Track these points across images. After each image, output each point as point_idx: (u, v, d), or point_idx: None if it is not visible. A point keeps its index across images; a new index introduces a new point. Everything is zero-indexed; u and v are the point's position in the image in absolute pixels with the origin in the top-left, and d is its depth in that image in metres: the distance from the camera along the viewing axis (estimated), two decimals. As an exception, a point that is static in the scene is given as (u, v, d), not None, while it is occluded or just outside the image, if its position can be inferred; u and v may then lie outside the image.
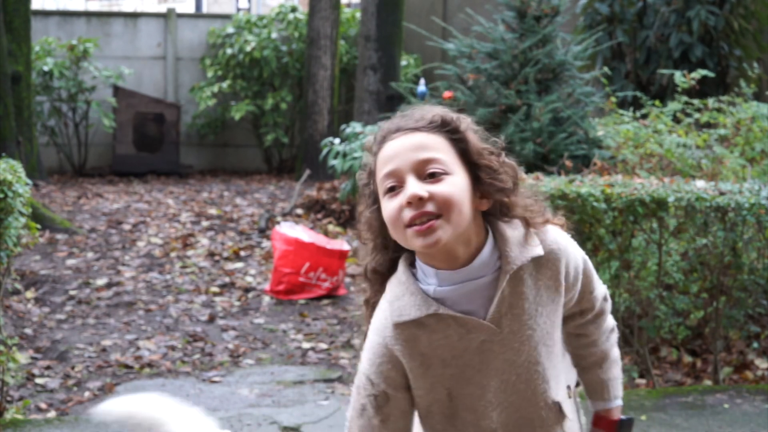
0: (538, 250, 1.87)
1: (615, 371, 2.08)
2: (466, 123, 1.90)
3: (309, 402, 4.84)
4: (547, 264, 1.89)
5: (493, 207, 1.89)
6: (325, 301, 6.82)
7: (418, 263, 1.89)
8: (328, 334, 6.10)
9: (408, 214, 1.80)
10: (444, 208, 1.80)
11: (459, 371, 1.89)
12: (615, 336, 2.08)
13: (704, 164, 6.44)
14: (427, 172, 1.82)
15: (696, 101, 7.29)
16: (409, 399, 1.92)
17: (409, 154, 1.84)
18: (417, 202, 1.79)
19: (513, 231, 1.88)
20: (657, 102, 7.52)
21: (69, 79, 13.04)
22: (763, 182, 5.29)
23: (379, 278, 1.95)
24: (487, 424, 1.91)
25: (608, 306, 2.06)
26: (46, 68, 12.87)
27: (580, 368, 2.07)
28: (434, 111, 1.90)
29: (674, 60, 9.83)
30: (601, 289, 2.04)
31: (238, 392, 5.00)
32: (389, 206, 1.84)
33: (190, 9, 22.42)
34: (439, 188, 1.81)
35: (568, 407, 1.96)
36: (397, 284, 1.90)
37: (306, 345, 5.85)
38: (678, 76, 7.33)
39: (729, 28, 9.95)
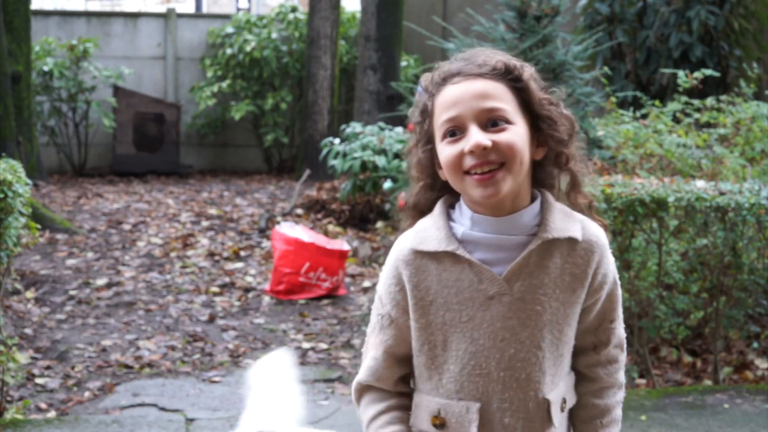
0: (577, 232, 1.85)
1: (614, 404, 1.96)
2: (529, 71, 1.90)
3: (309, 402, 4.84)
4: (581, 252, 1.85)
5: (547, 157, 1.88)
6: (325, 301, 6.82)
7: (460, 204, 1.88)
8: (328, 334, 6.10)
9: (470, 161, 1.79)
10: (508, 157, 1.79)
11: (459, 320, 1.84)
12: (621, 395, 1.98)
13: (704, 164, 6.44)
14: (490, 121, 1.81)
15: (696, 101, 7.29)
16: (406, 333, 1.90)
17: (472, 101, 1.82)
18: (480, 151, 1.78)
19: (558, 205, 1.87)
20: (657, 102, 7.52)
21: (69, 79, 13.04)
22: (763, 182, 5.29)
23: (418, 215, 1.94)
24: (472, 389, 1.85)
25: (623, 358, 1.97)
26: (46, 68, 12.87)
27: (579, 419, 1.96)
28: (497, 56, 1.89)
29: (674, 60, 9.83)
30: (620, 331, 1.96)
31: (238, 392, 5.00)
32: (449, 151, 1.82)
33: (190, 9, 22.42)
34: (502, 137, 1.80)
35: (557, 416, 1.87)
36: (429, 218, 1.89)
37: (306, 345, 5.85)
38: (681, 76, 7.33)
39: (729, 28, 9.94)
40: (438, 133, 1.86)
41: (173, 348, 5.77)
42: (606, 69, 8.29)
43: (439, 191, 1.92)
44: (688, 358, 5.28)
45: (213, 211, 10.07)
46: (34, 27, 12.35)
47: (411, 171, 1.96)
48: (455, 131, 1.82)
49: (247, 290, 7.10)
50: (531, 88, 1.87)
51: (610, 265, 1.90)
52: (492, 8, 7.66)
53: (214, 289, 7.10)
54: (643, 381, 4.99)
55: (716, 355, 5.02)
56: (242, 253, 8.14)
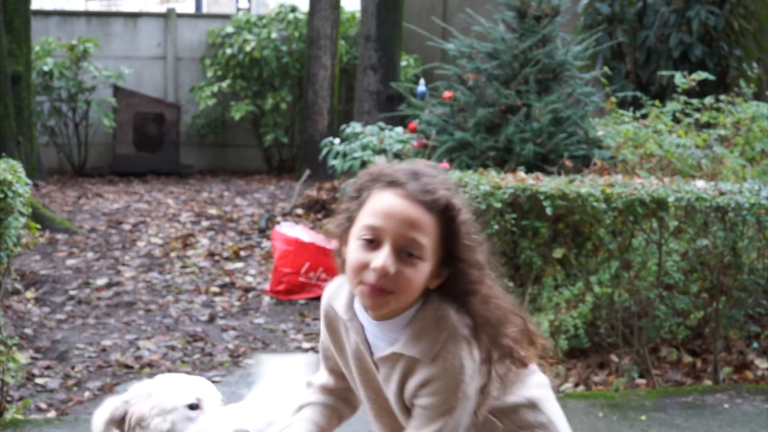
0: (425, 355, 1.99)
1: None
2: (465, 216, 1.98)
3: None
4: (424, 370, 2.01)
5: (447, 285, 2.01)
6: (325, 301, 6.81)
7: None
8: (328, 334, 6.09)
9: (369, 277, 1.93)
10: (401, 288, 1.93)
11: (356, 374, 2.13)
12: None
13: (704, 164, 6.44)
14: (405, 251, 1.92)
15: (695, 101, 7.29)
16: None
17: (400, 225, 1.92)
18: (382, 275, 1.91)
19: (431, 317, 2.00)
20: (657, 102, 7.52)
21: (69, 79, 13.04)
22: (763, 182, 5.30)
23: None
24: (378, 427, 2.19)
25: None
26: (46, 68, 12.87)
27: None
28: (444, 189, 1.96)
29: (674, 60, 9.83)
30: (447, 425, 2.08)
31: (238, 392, 4.99)
32: (357, 255, 1.96)
33: (190, 9, 22.42)
34: (407, 272, 1.92)
35: None
36: (344, 279, 2.10)
37: (306, 345, 5.85)
38: (678, 78, 7.32)
39: (729, 28, 9.94)
40: (357, 227, 1.98)
41: (173, 348, 5.77)
42: (606, 69, 8.29)
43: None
44: (688, 358, 5.27)
45: (213, 211, 10.07)
46: (34, 27, 12.35)
47: (333, 233, 2.10)
48: (372, 239, 1.94)
49: (247, 290, 7.10)
50: (460, 231, 1.97)
51: (435, 386, 2.01)
52: (492, 8, 7.66)
53: (214, 289, 7.10)
54: (643, 381, 4.99)
55: (716, 355, 5.02)
56: (242, 253, 8.14)
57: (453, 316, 1.99)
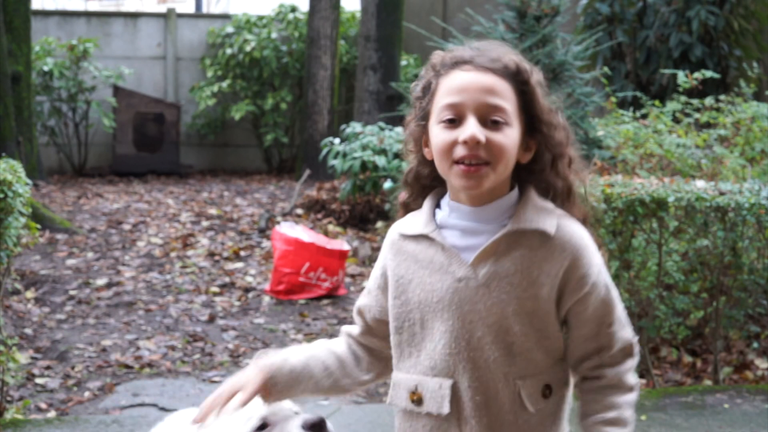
0: (549, 227, 1.86)
1: (620, 404, 1.90)
2: (537, 76, 1.92)
3: (308, 402, 4.84)
4: (551, 248, 1.86)
5: (534, 161, 1.91)
6: (325, 301, 6.82)
7: (446, 197, 1.95)
8: (328, 334, 6.09)
9: (460, 151, 1.83)
10: (495, 156, 1.83)
11: (432, 299, 1.90)
12: (631, 397, 1.91)
13: (704, 164, 6.44)
14: (489, 118, 1.84)
15: (695, 101, 7.29)
16: (383, 304, 2.01)
17: (478, 94, 1.85)
18: (473, 144, 1.81)
19: (539, 200, 1.90)
20: (657, 102, 7.53)
21: (69, 79, 13.04)
22: (763, 182, 5.29)
23: (418, 186, 2.00)
24: (444, 367, 1.89)
25: (630, 362, 1.93)
26: (46, 68, 12.87)
27: (585, 416, 1.90)
28: (511, 55, 1.91)
29: (674, 60, 9.83)
30: (623, 334, 1.92)
31: (238, 392, 5.00)
32: (442, 136, 1.86)
33: (190, 9, 22.41)
34: (496, 138, 1.83)
35: (534, 403, 1.87)
36: (421, 207, 1.97)
37: (306, 345, 5.84)
38: (681, 77, 7.33)
39: (729, 28, 9.95)
40: (435, 114, 1.89)
41: (173, 348, 5.77)
42: (606, 69, 8.29)
43: (429, 172, 1.97)
44: (688, 358, 5.28)
45: (213, 211, 10.07)
46: (34, 27, 12.35)
47: (407, 145, 2.01)
48: (454, 119, 1.85)
49: (247, 290, 7.10)
50: (536, 93, 1.90)
51: (592, 268, 1.88)
52: (492, 8, 7.66)
53: (214, 289, 7.10)
54: (643, 381, 4.99)
55: (716, 355, 5.02)
56: (242, 253, 8.14)
57: (553, 205, 1.91)
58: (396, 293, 1.95)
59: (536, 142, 1.90)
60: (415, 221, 1.95)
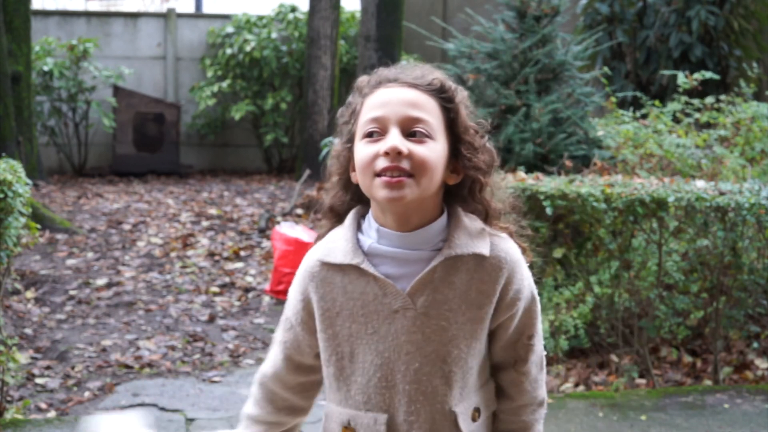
0: (483, 249, 1.83)
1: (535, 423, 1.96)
2: (462, 95, 1.90)
3: (309, 402, 4.84)
4: (489, 268, 1.84)
5: (461, 186, 1.88)
6: (325, 301, 6.81)
7: (368, 217, 1.88)
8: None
9: (382, 163, 1.79)
10: (418, 169, 1.78)
11: (365, 332, 1.85)
12: (542, 412, 1.97)
13: (704, 164, 6.44)
14: (411, 130, 1.81)
15: (696, 101, 7.29)
16: (309, 341, 1.93)
17: (401, 107, 1.82)
18: (395, 155, 1.78)
19: (469, 222, 1.86)
20: (657, 102, 7.53)
21: (69, 79, 13.04)
22: (763, 182, 5.29)
23: (333, 217, 1.95)
24: (379, 401, 1.86)
25: (542, 375, 1.97)
26: (46, 68, 12.87)
27: None
28: (435, 74, 1.89)
29: (674, 60, 9.83)
30: (539, 347, 1.95)
31: (238, 392, 5.00)
32: (365, 150, 1.82)
33: (190, 9, 22.41)
34: (419, 149, 1.79)
35: (468, 427, 1.87)
36: (339, 229, 1.90)
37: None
38: (681, 77, 7.33)
39: (729, 28, 9.95)
40: (359, 132, 1.86)
41: (173, 348, 5.77)
42: (606, 69, 8.29)
43: (351, 197, 1.92)
44: (688, 358, 5.28)
45: (213, 211, 10.07)
46: (34, 27, 12.35)
47: (330, 169, 1.97)
48: (375, 132, 1.82)
49: (247, 290, 7.10)
50: (460, 111, 1.88)
51: (524, 281, 1.89)
52: (492, 8, 7.66)
53: (214, 289, 7.10)
54: (643, 381, 4.99)
55: (716, 355, 5.02)
56: (242, 253, 8.14)
57: (482, 224, 1.88)
58: (323, 326, 1.88)
59: (461, 163, 1.87)
60: (337, 248, 1.87)
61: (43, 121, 13.13)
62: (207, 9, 18.78)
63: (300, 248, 6.84)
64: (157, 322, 6.30)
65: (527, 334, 1.92)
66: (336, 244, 1.87)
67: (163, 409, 4.72)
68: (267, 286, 7.05)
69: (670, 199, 4.72)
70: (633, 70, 10.20)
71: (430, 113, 1.83)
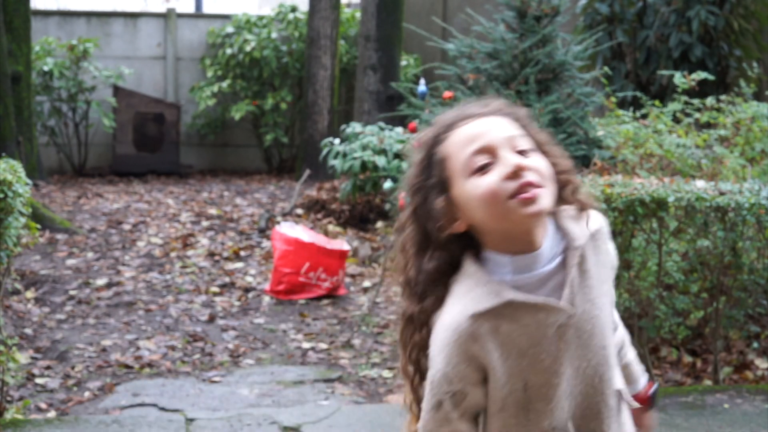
0: (594, 225, 1.90)
1: (632, 353, 2.11)
2: (525, 111, 1.93)
3: (309, 402, 4.84)
4: (599, 241, 1.91)
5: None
6: (325, 301, 6.82)
7: (489, 255, 1.84)
8: (328, 334, 6.10)
9: (511, 185, 1.77)
10: (544, 177, 1.81)
11: (536, 360, 1.82)
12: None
13: (704, 164, 6.44)
14: (517, 148, 1.82)
15: (696, 101, 7.29)
16: (485, 393, 1.86)
17: (497, 132, 1.83)
18: (521, 172, 1.77)
19: (565, 211, 1.90)
20: (657, 102, 7.52)
21: (69, 79, 13.04)
22: (763, 182, 5.29)
23: (443, 281, 1.86)
24: (559, 415, 1.84)
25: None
26: (46, 68, 12.87)
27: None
28: (496, 101, 1.92)
29: (674, 60, 9.82)
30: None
31: (238, 392, 5.00)
32: (484, 182, 1.79)
33: (190, 9, 22.41)
34: (535, 162, 1.81)
35: (627, 396, 1.95)
36: (465, 279, 1.83)
37: (306, 345, 5.85)
38: (678, 78, 7.32)
39: (729, 28, 9.94)
40: (462, 172, 1.82)
41: (173, 348, 5.77)
42: (606, 69, 8.28)
43: (455, 248, 1.85)
44: (688, 358, 5.27)
45: (213, 211, 10.07)
46: (34, 27, 12.35)
47: (408, 244, 1.88)
48: (486, 162, 1.80)
49: (247, 290, 7.10)
50: (532, 127, 1.90)
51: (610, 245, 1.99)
52: (492, 8, 7.66)
53: (214, 289, 7.10)
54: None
55: (716, 355, 5.02)
56: (242, 253, 8.14)
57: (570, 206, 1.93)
58: (495, 375, 1.83)
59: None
60: (479, 295, 1.80)
61: (43, 121, 13.13)
62: (207, 9, 18.81)
63: (300, 248, 6.84)
64: (157, 322, 6.30)
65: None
66: (476, 293, 1.81)
67: (163, 409, 4.73)
68: (267, 286, 7.05)
69: (670, 199, 4.72)
70: (633, 70, 10.20)
71: (519, 131, 1.86)
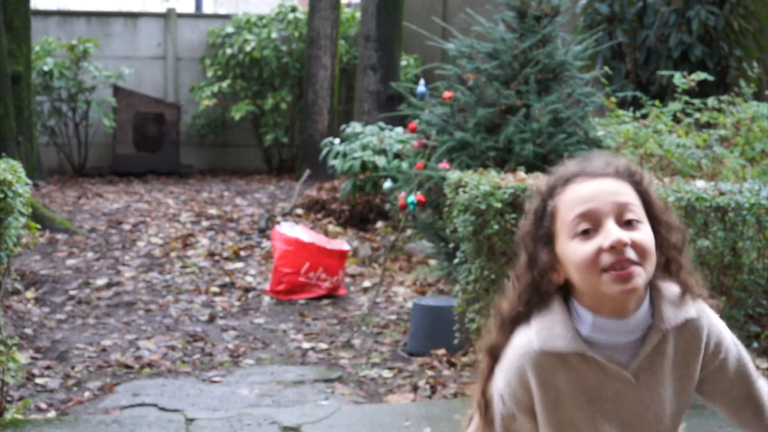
0: (692, 313, 1.89)
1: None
2: (649, 176, 1.91)
3: (309, 402, 4.84)
4: (692, 329, 1.90)
5: (658, 265, 1.89)
6: (325, 301, 6.82)
7: (575, 306, 1.88)
8: (328, 334, 6.10)
9: (607, 259, 1.78)
10: (643, 256, 1.80)
11: (590, 416, 1.88)
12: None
13: (704, 164, 6.44)
14: (625, 219, 1.81)
15: (696, 101, 7.29)
16: (534, 426, 1.91)
17: (607, 196, 1.82)
18: (621, 247, 1.77)
19: (668, 291, 1.90)
20: (657, 102, 7.52)
21: (69, 79, 13.04)
22: (763, 182, 5.29)
23: (524, 316, 1.92)
24: None
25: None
26: (46, 68, 12.87)
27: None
28: (619, 161, 1.90)
29: (674, 60, 9.82)
30: (748, 358, 2.01)
31: (238, 392, 5.00)
32: (583, 249, 1.80)
33: (190, 9, 22.41)
34: (638, 236, 1.80)
35: None
36: (549, 315, 1.88)
37: (306, 345, 5.85)
38: (678, 78, 7.32)
39: (729, 28, 9.94)
40: (566, 232, 1.84)
41: (173, 348, 5.77)
42: (606, 69, 8.28)
43: (541, 297, 1.91)
44: (688, 358, 5.27)
45: (213, 211, 10.07)
46: (34, 27, 12.35)
47: (520, 276, 1.93)
48: (589, 228, 1.81)
49: (247, 290, 7.10)
50: (652, 193, 1.89)
51: (722, 331, 1.95)
52: (492, 8, 7.65)
53: (214, 289, 7.10)
54: (643, 381, 4.98)
55: (716, 355, 5.01)
56: (242, 253, 8.14)
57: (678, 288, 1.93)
58: (545, 413, 1.88)
59: (659, 243, 1.88)
60: (556, 335, 1.85)
61: (43, 121, 13.13)
62: (207, 9, 18.81)
63: (300, 248, 6.84)
64: (157, 322, 6.30)
65: (742, 363, 1.98)
66: (553, 332, 1.86)
67: (163, 409, 4.73)
68: (267, 286, 7.05)
69: (670, 199, 4.72)
70: (633, 70, 10.20)
71: (633, 198, 1.84)
